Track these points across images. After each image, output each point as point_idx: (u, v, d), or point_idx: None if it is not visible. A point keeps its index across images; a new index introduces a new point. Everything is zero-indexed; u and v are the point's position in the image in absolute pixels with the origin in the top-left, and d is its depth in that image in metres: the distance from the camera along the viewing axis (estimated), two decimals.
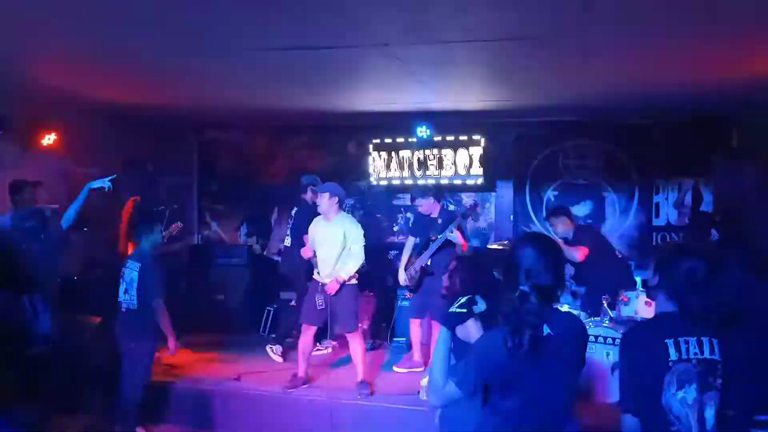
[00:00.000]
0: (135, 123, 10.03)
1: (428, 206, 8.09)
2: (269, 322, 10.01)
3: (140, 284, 6.87)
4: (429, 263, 7.79)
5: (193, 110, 9.66)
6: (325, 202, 7.21)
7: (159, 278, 6.84)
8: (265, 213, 11.66)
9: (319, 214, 7.40)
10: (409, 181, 10.82)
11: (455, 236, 7.61)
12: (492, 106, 9.11)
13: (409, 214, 10.84)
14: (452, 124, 10.28)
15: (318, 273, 7.42)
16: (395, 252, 10.11)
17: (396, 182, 10.98)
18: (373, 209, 11.20)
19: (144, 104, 8.95)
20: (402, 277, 8.10)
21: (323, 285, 7.29)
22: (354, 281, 7.30)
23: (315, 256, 7.46)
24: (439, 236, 7.78)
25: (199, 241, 12.01)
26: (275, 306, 10.06)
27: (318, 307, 7.23)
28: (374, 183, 11.08)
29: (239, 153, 11.85)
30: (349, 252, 7.22)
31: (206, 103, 8.96)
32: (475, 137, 10.53)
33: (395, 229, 11.01)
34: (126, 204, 9.18)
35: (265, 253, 11.50)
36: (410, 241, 8.24)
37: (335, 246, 7.26)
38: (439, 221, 7.98)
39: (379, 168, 11.03)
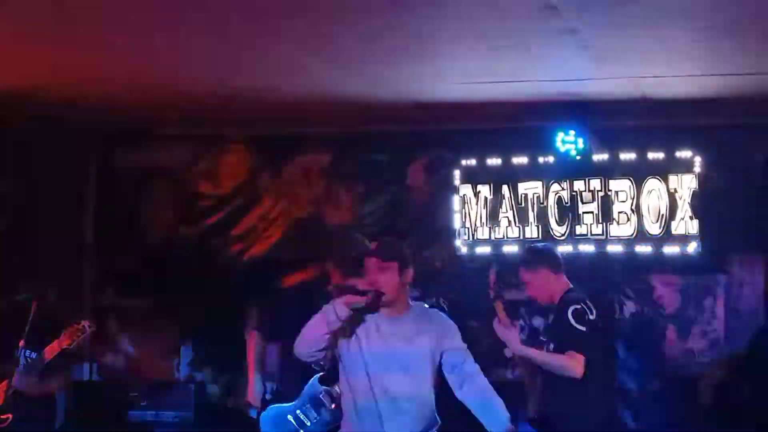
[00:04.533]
0: None
1: (540, 284, 6.39)
2: None
3: None
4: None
5: (87, 98, 7.96)
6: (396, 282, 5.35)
7: None
8: (230, 319, 9.10)
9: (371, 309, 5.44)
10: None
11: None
12: (722, 91, 7.42)
13: (537, 319, 8.49)
14: (634, 131, 8.49)
15: None
16: None
17: (510, 248, 8.58)
18: (464, 306, 8.32)
19: None
20: None
21: None
22: None
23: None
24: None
25: (93, 374, 9.48)
26: None
27: None
28: (464, 251, 8.74)
29: (181, 192, 9.76)
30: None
31: (117, 82, 7.47)
32: (683, 157, 8.28)
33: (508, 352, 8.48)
34: None
35: (230, 403, 9.46)
36: None
37: (417, 370, 5.37)
38: (568, 317, 6.04)
39: (476, 219, 8.73)
